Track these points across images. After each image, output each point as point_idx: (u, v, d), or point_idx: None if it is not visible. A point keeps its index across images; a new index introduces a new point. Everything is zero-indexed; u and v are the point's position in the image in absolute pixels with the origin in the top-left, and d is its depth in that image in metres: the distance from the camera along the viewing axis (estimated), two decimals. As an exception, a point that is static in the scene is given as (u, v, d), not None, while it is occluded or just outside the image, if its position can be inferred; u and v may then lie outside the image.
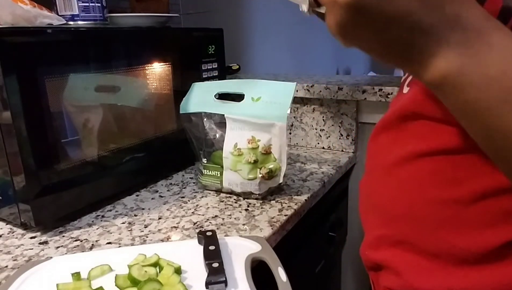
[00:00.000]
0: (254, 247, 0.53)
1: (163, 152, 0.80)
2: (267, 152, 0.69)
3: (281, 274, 0.46)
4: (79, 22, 0.70)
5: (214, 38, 0.90)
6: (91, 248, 0.56)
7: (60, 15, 0.68)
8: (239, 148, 0.69)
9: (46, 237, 0.59)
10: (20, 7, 0.58)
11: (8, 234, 0.60)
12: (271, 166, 0.69)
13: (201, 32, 0.86)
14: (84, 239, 0.58)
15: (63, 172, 0.61)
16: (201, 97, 0.75)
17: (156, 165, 0.79)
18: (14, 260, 0.53)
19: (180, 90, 0.83)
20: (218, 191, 0.74)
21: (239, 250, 0.52)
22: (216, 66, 0.91)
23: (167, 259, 0.49)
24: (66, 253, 0.54)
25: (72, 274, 0.46)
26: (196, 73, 0.86)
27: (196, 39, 0.85)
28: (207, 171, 0.73)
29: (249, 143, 0.69)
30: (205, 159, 0.74)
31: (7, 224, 0.63)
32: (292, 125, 1.05)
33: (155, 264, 0.48)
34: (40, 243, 0.57)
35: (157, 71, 0.78)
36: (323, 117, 1.00)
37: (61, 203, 0.61)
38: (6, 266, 0.52)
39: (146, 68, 0.75)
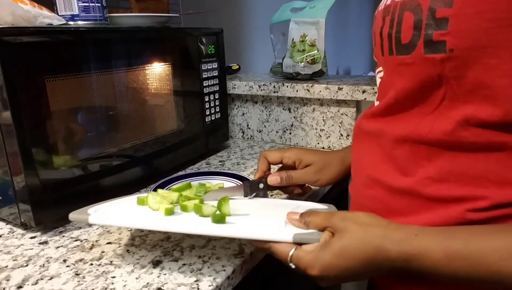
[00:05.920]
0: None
1: (163, 152, 0.80)
2: (312, 45, 0.99)
3: None
4: (79, 22, 0.70)
5: (214, 38, 0.90)
6: (91, 248, 0.56)
7: (60, 15, 0.68)
8: (294, 41, 1.02)
9: (46, 237, 0.59)
10: (20, 7, 0.58)
11: (8, 234, 0.60)
12: (314, 55, 0.99)
13: (201, 32, 0.86)
14: (84, 239, 0.58)
15: (63, 172, 0.61)
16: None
17: (156, 165, 0.79)
18: (14, 260, 0.53)
19: (180, 90, 0.83)
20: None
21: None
22: (216, 66, 0.91)
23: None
24: (66, 253, 0.54)
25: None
26: (196, 73, 0.86)
27: (196, 39, 0.85)
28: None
29: (300, 37, 1.01)
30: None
31: (7, 224, 0.63)
32: (292, 125, 1.05)
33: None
34: (40, 243, 0.57)
35: (157, 71, 0.78)
36: (323, 117, 1.00)
37: (61, 203, 0.61)
38: (6, 266, 0.52)
39: (146, 68, 0.75)
